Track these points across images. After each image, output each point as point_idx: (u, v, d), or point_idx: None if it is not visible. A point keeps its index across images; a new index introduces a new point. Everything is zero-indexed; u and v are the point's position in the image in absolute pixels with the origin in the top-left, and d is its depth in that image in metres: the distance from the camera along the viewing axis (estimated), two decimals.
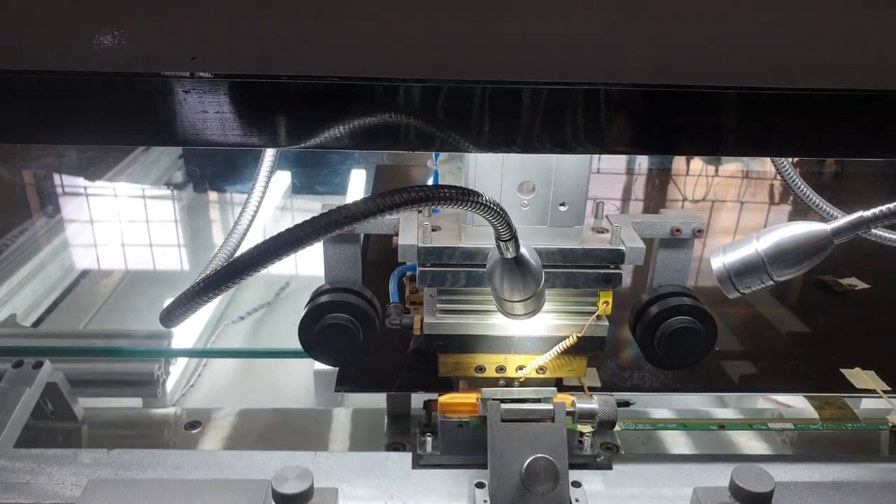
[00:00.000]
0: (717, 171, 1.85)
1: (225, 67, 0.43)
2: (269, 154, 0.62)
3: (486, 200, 0.47)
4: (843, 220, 0.53)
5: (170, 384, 0.96)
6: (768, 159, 1.84)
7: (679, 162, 1.90)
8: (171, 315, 0.50)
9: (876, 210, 0.51)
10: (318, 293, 0.71)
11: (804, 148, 0.50)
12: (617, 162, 1.86)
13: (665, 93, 0.44)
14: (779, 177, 1.73)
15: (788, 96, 0.44)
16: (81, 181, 1.62)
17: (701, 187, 1.81)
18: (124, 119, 0.45)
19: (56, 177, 1.61)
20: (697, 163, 1.87)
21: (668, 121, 0.46)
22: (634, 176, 1.84)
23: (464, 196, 0.45)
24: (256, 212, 0.64)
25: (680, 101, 0.44)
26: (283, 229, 0.46)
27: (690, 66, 0.43)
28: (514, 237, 0.52)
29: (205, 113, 0.45)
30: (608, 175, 1.79)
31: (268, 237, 0.45)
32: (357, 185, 1.51)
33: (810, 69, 0.44)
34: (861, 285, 1.01)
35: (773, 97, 0.44)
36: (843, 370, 0.80)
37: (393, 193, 0.43)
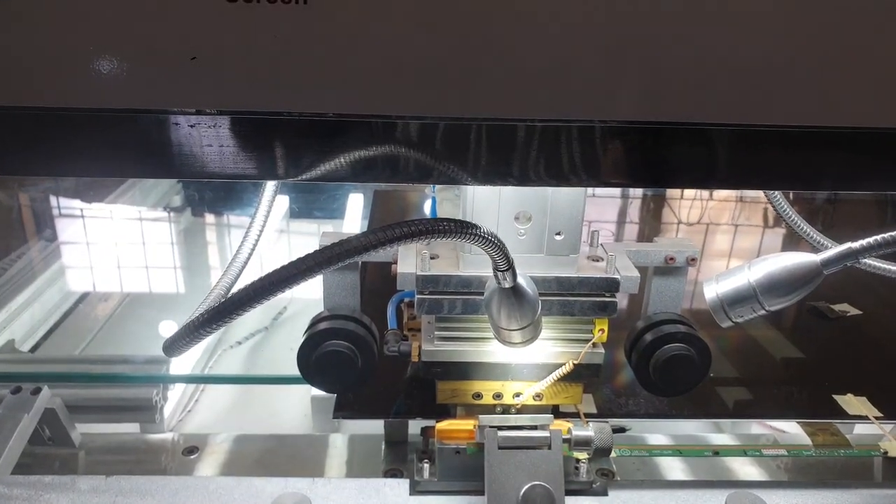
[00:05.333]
0: (711, 194, 1.86)
1: (228, 104, 0.44)
2: (270, 186, 0.64)
3: (484, 232, 0.48)
4: (833, 251, 0.54)
5: (167, 410, 0.97)
6: None
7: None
8: (175, 346, 0.51)
9: (864, 242, 0.53)
10: (316, 320, 0.71)
11: (794, 182, 0.51)
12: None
13: (656, 129, 0.45)
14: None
15: (777, 133, 0.46)
16: (79, 203, 1.63)
17: (696, 210, 1.82)
18: (131, 153, 0.46)
19: (53, 199, 1.62)
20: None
21: (659, 156, 0.47)
22: (630, 200, 1.85)
23: (462, 229, 0.46)
24: (257, 241, 0.65)
25: (670, 137, 0.46)
26: (282, 258, 0.47)
27: (681, 103, 0.45)
28: (511, 267, 0.53)
29: (209, 147, 0.46)
30: (604, 199, 1.80)
31: (271, 270, 0.46)
32: (355, 209, 1.52)
33: (799, 106, 0.45)
34: (853, 311, 1.02)
35: (762, 133, 0.46)
36: (835, 396, 0.81)
37: (393, 227, 0.45)
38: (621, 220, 1.76)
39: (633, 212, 1.81)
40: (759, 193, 1.82)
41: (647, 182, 0.50)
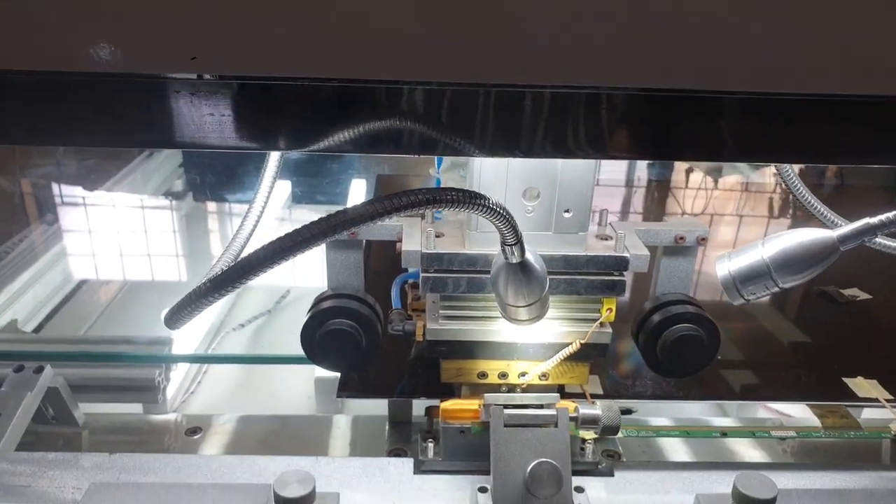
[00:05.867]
0: (716, 184, 1.85)
1: (229, 69, 0.43)
2: (273, 158, 0.63)
3: (493, 204, 0.47)
4: (850, 226, 0.53)
5: (170, 391, 0.96)
6: (769, 171, 1.86)
7: (678, 174, 1.91)
8: (177, 316, 0.50)
9: (882, 217, 0.52)
10: (320, 299, 0.71)
11: (810, 154, 0.50)
12: (616, 174, 1.87)
13: (668, 97, 0.44)
14: (778, 189, 1.73)
15: (793, 101, 0.45)
16: (80, 191, 1.62)
17: (700, 200, 1.81)
18: (128, 121, 0.45)
19: (55, 186, 1.61)
20: (697, 175, 1.88)
21: (671, 125, 0.46)
22: (634, 189, 1.85)
23: (470, 199, 0.45)
24: (260, 216, 0.64)
25: (683, 105, 0.45)
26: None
27: (694, 69, 0.44)
28: (519, 241, 0.52)
29: (210, 116, 0.45)
30: (607, 188, 1.79)
31: (275, 238, 0.45)
32: (357, 195, 1.52)
33: (815, 73, 0.44)
34: (863, 296, 1.01)
35: (774, 102, 0.45)
36: (845, 379, 0.80)
37: (400, 195, 0.44)
38: (625, 209, 1.75)
39: (637, 201, 1.80)
40: (765, 181, 1.82)
41: (658, 154, 0.49)
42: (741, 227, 1.66)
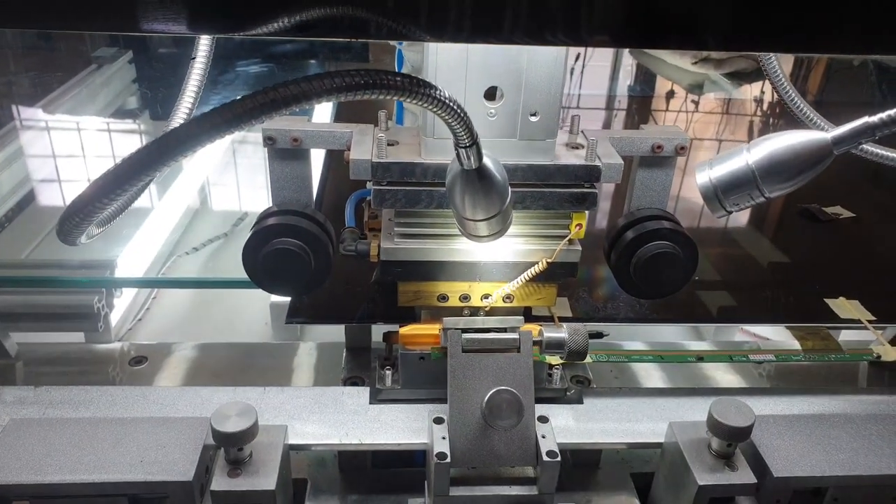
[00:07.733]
0: (697, 106, 1.81)
1: None
2: (203, 49, 0.55)
3: (442, 95, 0.40)
4: (846, 127, 0.47)
5: (115, 318, 0.90)
6: (749, 89, 1.80)
7: (659, 100, 1.87)
8: (68, 225, 0.42)
9: (883, 115, 0.46)
10: (263, 216, 0.64)
11: (803, 41, 0.43)
12: (595, 100, 1.81)
13: None
14: (758, 113, 1.67)
15: None
16: (42, 115, 1.50)
17: (680, 125, 1.78)
18: None
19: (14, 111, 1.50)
20: (678, 100, 1.83)
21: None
22: (614, 112, 1.81)
23: (414, 86, 0.38)
24: (197, 94, 0.56)
25: None
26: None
27: None
28: (475, 143, 0.45)
29: None
30: (586, 111, 1.75)
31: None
32: (323, 114, 1.43)
33: None
34: (846, 214, 0.96)
35: None
36: (826, 300, 0.76)
37: (332, 75, 0.36)
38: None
39: (617, 125, 1.76)
40: (745, 97, 1.76)
41: (635, 39, 0.42)
42: (721, 152, 1.63)
